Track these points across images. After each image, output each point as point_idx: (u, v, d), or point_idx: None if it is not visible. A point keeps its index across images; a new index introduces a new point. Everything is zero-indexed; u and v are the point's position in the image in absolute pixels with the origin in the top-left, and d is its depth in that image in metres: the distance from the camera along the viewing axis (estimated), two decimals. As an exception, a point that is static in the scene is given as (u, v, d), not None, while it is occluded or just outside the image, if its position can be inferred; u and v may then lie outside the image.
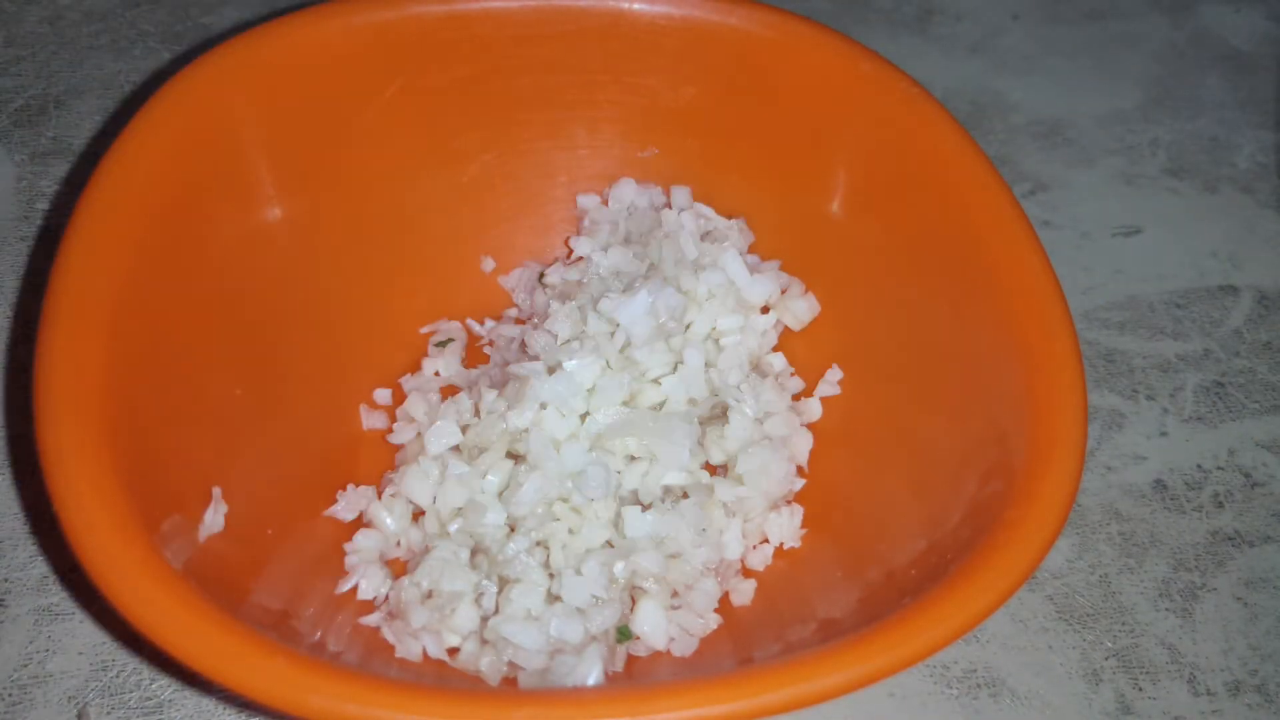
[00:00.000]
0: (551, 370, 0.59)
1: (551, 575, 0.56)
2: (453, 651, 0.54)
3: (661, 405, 0.61)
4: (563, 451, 0.58)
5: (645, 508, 0.57)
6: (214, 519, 0.51)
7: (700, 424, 0.61)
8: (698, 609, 0.57)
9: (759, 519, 0.60)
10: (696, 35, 0.64)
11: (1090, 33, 0.95)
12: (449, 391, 0.65)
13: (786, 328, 0.67)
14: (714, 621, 0.57)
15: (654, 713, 0.41)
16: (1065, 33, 0.95)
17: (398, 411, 0.64)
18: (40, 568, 0.60)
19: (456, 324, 0.69)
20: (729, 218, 0.68)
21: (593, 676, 0.52)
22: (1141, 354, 0.73)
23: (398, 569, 0.59)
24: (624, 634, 0.55)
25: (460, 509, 0.58)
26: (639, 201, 0.69)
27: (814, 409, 0.64)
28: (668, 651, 0.55)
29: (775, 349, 0.67)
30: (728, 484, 0.60)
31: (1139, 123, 0.88)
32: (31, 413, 0.45)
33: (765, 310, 0.66)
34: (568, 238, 0.71)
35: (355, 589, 0.57)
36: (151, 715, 0.56)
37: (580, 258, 0.68)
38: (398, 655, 0.54)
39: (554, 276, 0.68)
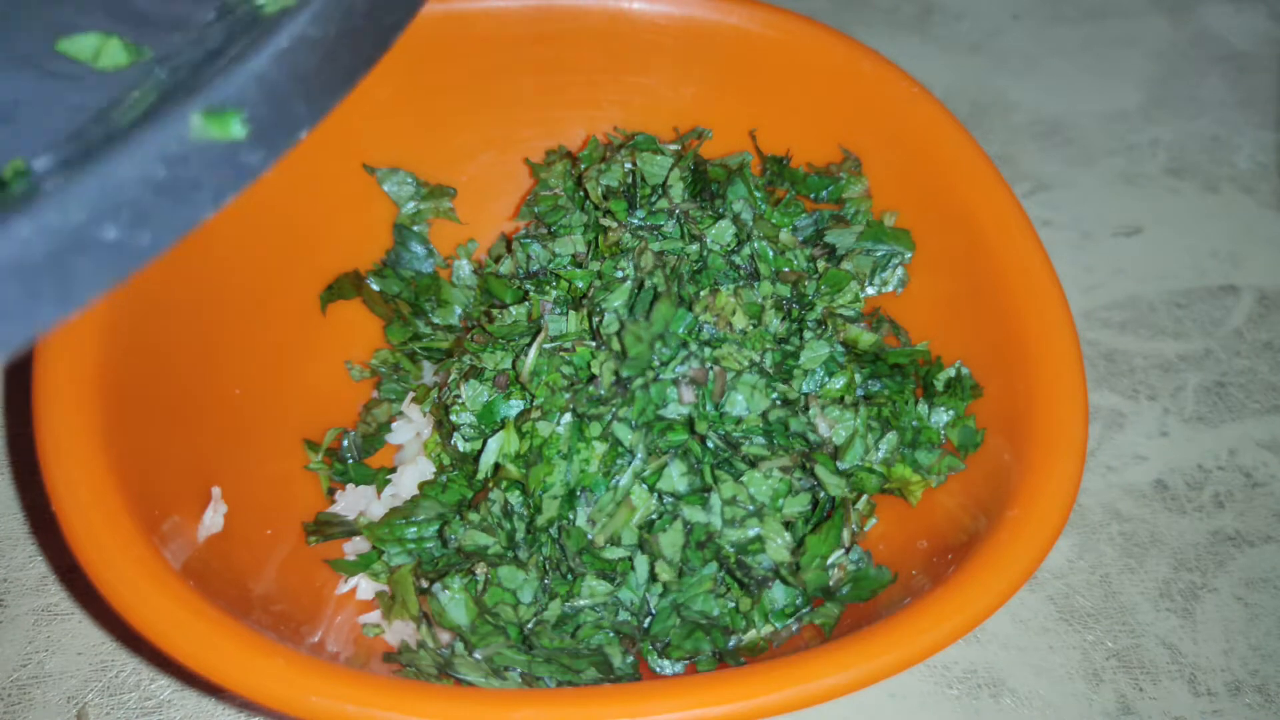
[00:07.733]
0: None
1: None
2: (452, 651, 0.54)
3: None
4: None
5: None
6: (213, 519, 0.51)
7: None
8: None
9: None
10: (696, 35, 0.64)
11: (1090, 32, 0.95)
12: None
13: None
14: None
15: (654, 713, 0.41)
16: (1065, 32, 0.95)
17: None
18: (39, 568, 0.60)
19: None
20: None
21: (593, 676, 0.52)
22: (1142, 354, 0.73)
23: (397, 569, 0.59)
24: None
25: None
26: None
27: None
28: None
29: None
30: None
31: (1139, 122, 0.88)
32: (30, 413, 0.45)
33: None
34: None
35: (355, 589, 0.57)
36: (151, 715, 0.56)
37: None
38: (398, 655, 0.53)
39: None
